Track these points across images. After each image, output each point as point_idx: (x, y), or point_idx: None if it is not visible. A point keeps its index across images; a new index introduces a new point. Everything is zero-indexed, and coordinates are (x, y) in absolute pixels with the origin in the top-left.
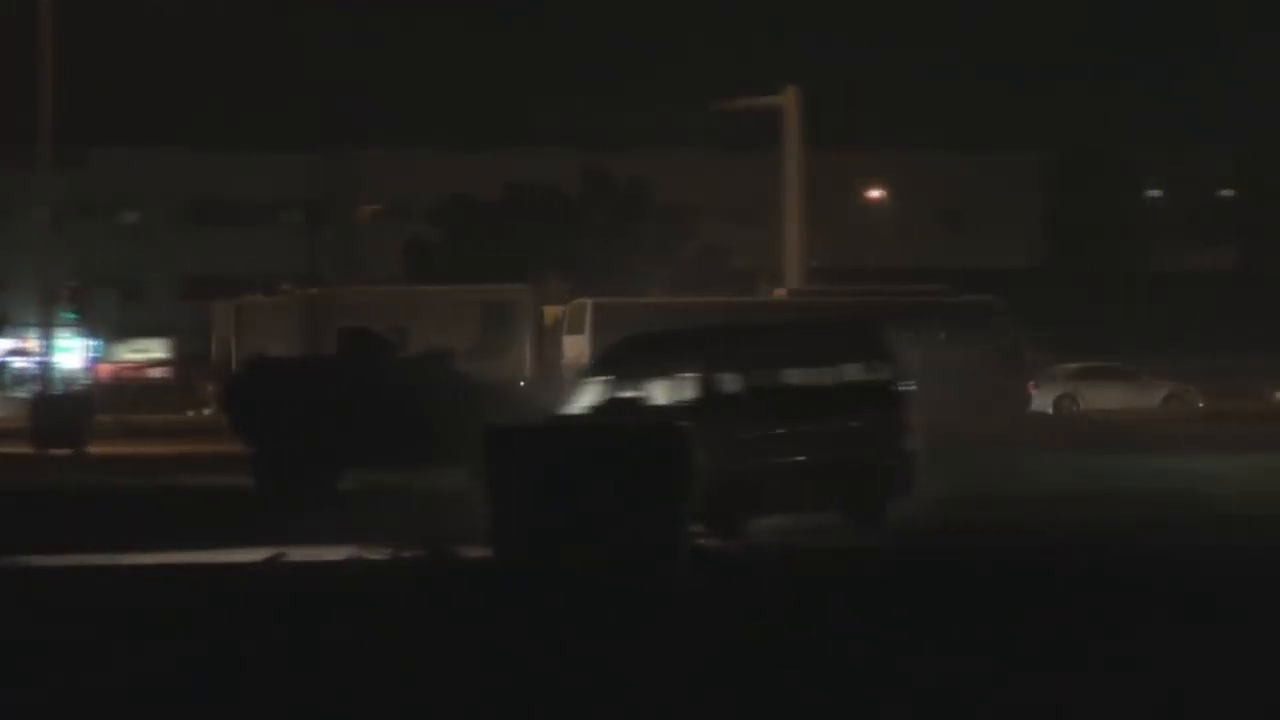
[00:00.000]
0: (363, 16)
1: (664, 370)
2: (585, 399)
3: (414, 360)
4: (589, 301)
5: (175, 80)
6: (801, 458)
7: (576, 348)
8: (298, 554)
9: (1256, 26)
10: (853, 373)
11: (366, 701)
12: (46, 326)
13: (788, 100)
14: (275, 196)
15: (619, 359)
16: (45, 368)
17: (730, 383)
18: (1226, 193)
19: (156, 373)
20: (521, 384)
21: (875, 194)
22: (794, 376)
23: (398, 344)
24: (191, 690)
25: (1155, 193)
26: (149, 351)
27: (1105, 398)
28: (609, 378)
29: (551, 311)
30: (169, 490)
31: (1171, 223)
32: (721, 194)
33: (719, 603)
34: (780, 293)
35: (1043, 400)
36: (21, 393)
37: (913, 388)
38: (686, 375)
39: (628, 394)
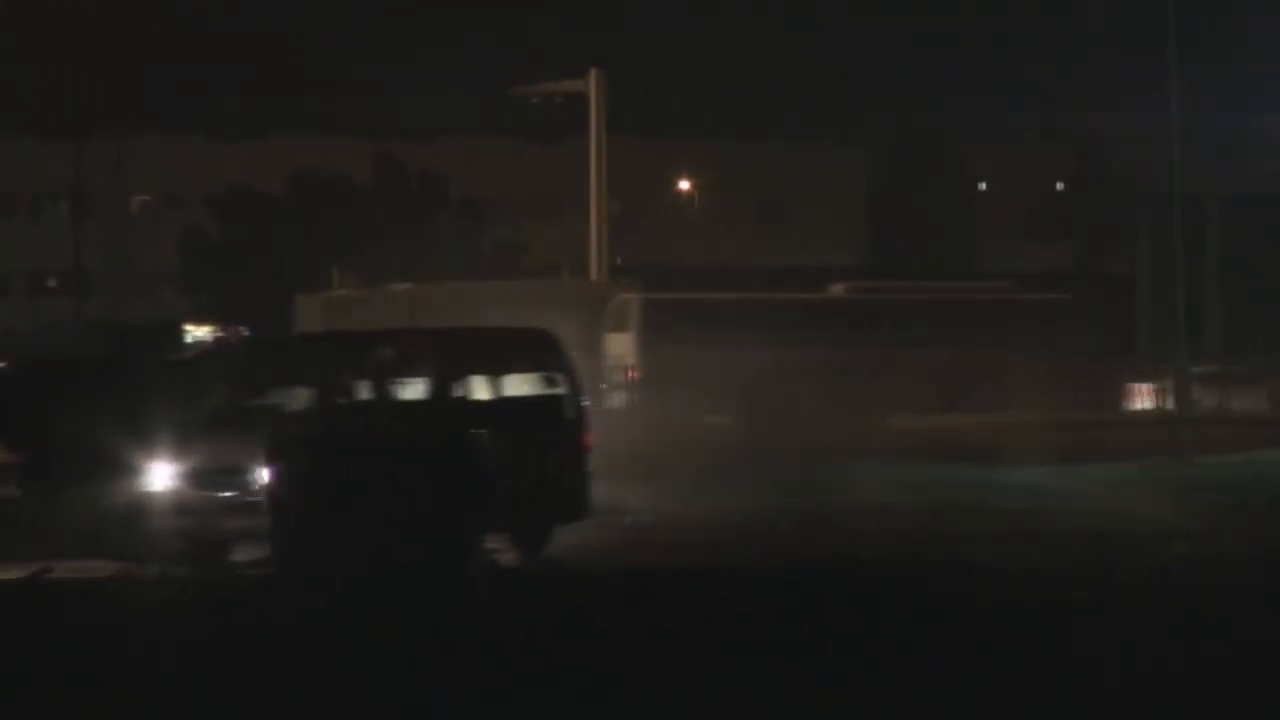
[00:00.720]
0: None
1: (294, 378)
2: (211, 407)
3: (188, 362)
4: (635, 297)
5: None
6: None
7: (620, 346)
8: (62, 569)
9: (1097, 24)
10: (521, 386)
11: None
12: None
13: (591, 83)
14: (41, 186)
15: (252, 363)
16: None
17: (362, 392)
18: (1060, 187)
19: None
20: None
21: (688, 186)
22: (448, 389)
23: (175, 345)
24: None
25: (985, 187)
26: None
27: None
28: (240, 385)
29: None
30: None
31: (1006, 220)
32: (523, 186)
33: (513, 614)
34: (837, 289)
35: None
36: None
37: (588, 402)
38: (315, 385)
39: (256, 402)
